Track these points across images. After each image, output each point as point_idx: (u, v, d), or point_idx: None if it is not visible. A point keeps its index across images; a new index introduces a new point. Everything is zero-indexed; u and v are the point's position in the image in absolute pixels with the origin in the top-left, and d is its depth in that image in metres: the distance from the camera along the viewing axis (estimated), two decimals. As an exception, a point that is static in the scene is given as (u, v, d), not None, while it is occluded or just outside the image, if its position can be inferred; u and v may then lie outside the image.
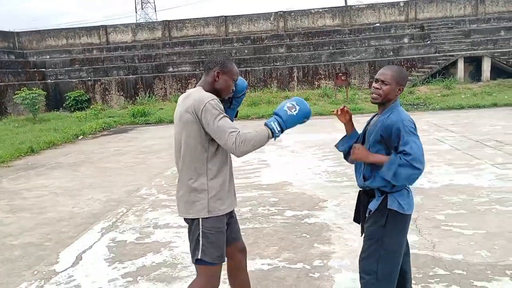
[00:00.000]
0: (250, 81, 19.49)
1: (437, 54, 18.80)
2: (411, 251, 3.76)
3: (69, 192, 6.57)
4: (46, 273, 3.83)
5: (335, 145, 2.80)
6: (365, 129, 2.59)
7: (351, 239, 4.14)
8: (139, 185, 6.68)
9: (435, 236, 4.09)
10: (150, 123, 14.82)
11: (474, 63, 18.08)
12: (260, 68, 19.78)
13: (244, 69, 19.78)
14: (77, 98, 19.37)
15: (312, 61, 19.94)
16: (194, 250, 2.40)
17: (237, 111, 2.77)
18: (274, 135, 2.33)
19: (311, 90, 18.56)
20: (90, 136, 12.76)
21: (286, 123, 2.35)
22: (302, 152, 8.46)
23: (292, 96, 3.06)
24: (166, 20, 24.47)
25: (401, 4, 22.66)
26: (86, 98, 19.69)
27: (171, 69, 20.73)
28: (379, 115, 2.49)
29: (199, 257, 2.38)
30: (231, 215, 2.59)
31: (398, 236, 2.39)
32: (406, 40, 20.61)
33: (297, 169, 7.07)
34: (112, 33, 24.46)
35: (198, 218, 2.38)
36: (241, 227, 4.56)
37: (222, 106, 2.34)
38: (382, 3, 23.20)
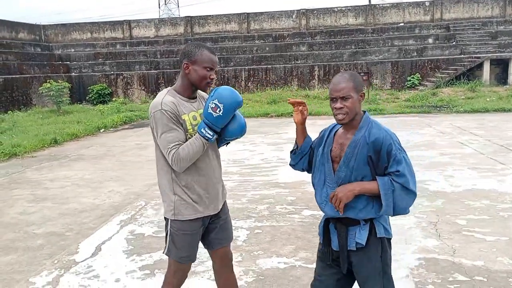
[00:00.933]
0: (270, 79, 19.48)
1: (462, 56, 18.40)
2: (430, 255, 3.72)
3: (91, 184, 6.68)
4: (66, 262, 3.91)
5: (290, 162, 2.44)
6: (327, 150, 2.19)
7: (369, 241, 4.10)
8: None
9: (456, 241, 4.01)
10: (170, 118, 14.92)
11: (501, 66, 17.64)
12: (281, 66, 19.72)
13: (264, 66, 19.77)
14: (100, 92, 19.69)
15: (334, 60, 19.78)
16: (165, 244, 2.48)
17: (228, 142, 2.52)
18: (209, 140, 2.27)
19: (332, 89, 18.39)
20: (112, 129, 12.96)
21: (217, 124, 2.26)
22: (321, 151, 8.40)
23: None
24: (189, 16, 24.62)
25: (427, 4, 22.25)
26: (108, 91, 20.00)
27: (192, 65, 20.80)
28: (348, 133, 2.15)
29: (164, 252, 2.48)
30: (213, 220, 2.51)
31: (390, 262, 2.16)
32: (430, 40, 20.25)
33: (316, 169, 7.05)
34: (135, 28, 24.75)
35: (168, 218, 2.41)
36: (258, 224, 4.59)
37: (169, 116, 2.24)
38: (407, 2, 22.83)
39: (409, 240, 4.08)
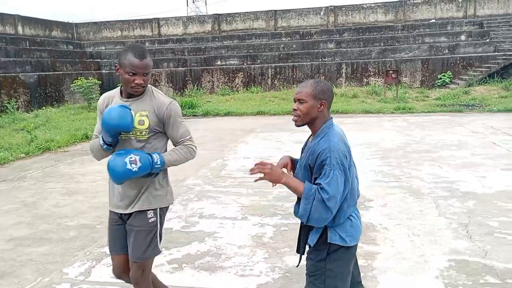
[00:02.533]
0: (297, 76, 19.38)
1: (496, 53, 17.82)
2: (461, 257, 3.64)
3: (120, 178, 6.84)
4: (97, 254, 4.03)
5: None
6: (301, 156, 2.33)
7: (397, 241, 4.05)
8: (185, 176, 6.84)
9: (488, 243, 3.91)
10: (197, 115, 15.11)
11: (537, 64, 17.00)
12: (308, 63, 19.60)
13: (291, 64, 19.69)
14: (129, 89, 20.06)
15: (362, 57, 19.51)
16: None
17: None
18: (102, 146, 2.40)
19: (359, 87, 18.19)
20: (140, 125, 13.19)
21: (103, 134, 2.40)
22: (348, 149, 8.32)
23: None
24: (216, 14, 24.77)
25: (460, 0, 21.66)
26: (137, 88, 20.33)
27: (219, 63, 20.98)
28: (311, 139, 2.25)
29: None
30: (118, 222, 2.53)
31: (341, 270, 2.18)
32: (463, 37, 19.69)
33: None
34: (164, 26, 25.08)
35: None
36: (284, 222, 4.60)
37: (98, 108, 2.53)
38: (438, -2, 22.28)
39: (439, 241, 4.01)
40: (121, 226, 2.53)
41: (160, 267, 3.71)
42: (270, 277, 3.48)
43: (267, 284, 3.36)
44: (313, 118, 2.18)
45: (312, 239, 2.20)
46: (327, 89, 2.19)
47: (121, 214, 2.52)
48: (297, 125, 2.23)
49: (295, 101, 2.21)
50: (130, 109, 2.32)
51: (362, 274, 3.40)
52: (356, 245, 2.24)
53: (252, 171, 2.15)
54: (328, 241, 2.14)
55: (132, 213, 2.48)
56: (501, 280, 3.27)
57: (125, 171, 2.27)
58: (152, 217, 2.51)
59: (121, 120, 2.26)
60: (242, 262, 3.75)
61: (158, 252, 2.57)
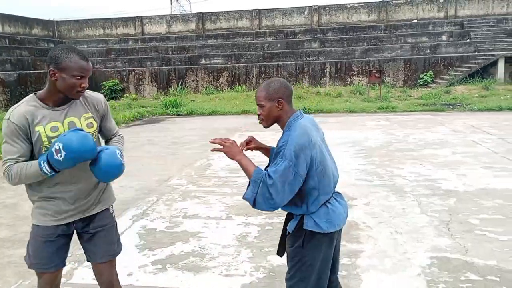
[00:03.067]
0: (281, 76, 19.41)
1: (476, 53, 18.16)
2: (442, 254, 3.70)
3: (103, 178, 6.75)
4: (79, 255, 3.96)
5: None
6: None
7: (381, 239, 4.09)
8: (169, 175, 6.79)
9: (468, 241, 3.99)
10: (182, 115, 15.02)
11: (516, 64, 17.38)
12: (292, 62, 19.67)
13: (276, 63, 19.72)
14: (112, 87, 19.83)
15: (346, 57, 19.67)
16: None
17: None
18: (46, 174, 2.09)
19: (343, 87, 18.34)
20: (124, 125, 13.06)
21: (57, 166, 2.06)
22: (332, 149, 8.37)
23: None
24: (200, 12, 24.67)
25: (441, 0, 22.00)
26: (120, 87, 20.14)
27: (203, 62, 20.90)
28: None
29: (24, 258, 2.39)
30: (82, 230, 2.39)
31: (319, 255, 2.21)
32: (444, 37, 20.02)
33: (327, 166, 7.02)
34: (147, 24, 24.88)
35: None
36: (268, 221, 4.61)
37: (15, 130, 2.10)
38: (420, -1, 22.61)
39: (421, 238, 4.07)
40: (60, 238, 2.32)
41: (143, 267, 3.67)
42: (254, 276, 3.48)
43: (252, 284, 3.36)
44: (276, 117, 2.26)
45: (291, 226, 2.26)
46: (279, 86, 2.23)
47: (69, 222, 2.32)
48: (265, 127, 2.33)
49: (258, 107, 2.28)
50: (83, 131, 2.15)
51: (345, 273, 3.44)
52: (336, 232, 2.24)
53: (213, 141, 2.24)
54: (304, 227, 2.18)
55: (90, 215, 2.39)
56: (482, 276, 3.33)
57: (122, 167, 2.21)
58: (113, 212, 2.54)
59: (90, 149, 2.08)
60: (227, 262, 3.74)
61: (121, 245, 2.57)
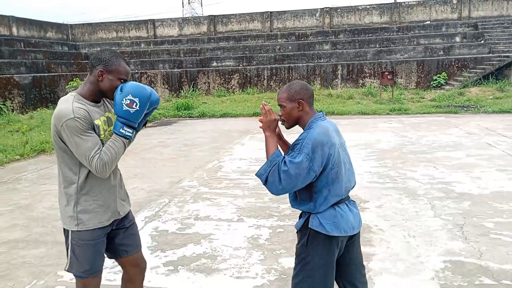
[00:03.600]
0: (293, 78, 19.41)
1: (491, 55, 17.92)
2: (456, 258, 3.65)
3: (115, 180, 6.80)
4: (92, 256, 4.00)
5: None
6: None
7: (393, 242, 4.05)
8: (181, 177, 6.82)
9: (483, 244, 3.93)
10: (193, 117, 15.09)
11: (531, 65, 17.10)
12: (304, 64, 19.63)
13: (287, 65, 19.71)
14: (124, 90, 20.00)
15: (357, 58, 19.56)
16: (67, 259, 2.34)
17: (147, 120, 2.49)
18: (130, 138, 2.23)
19: (355, 89, 18.24)
20: (136, 127, 13.15)
21: (135, 120, 2.20)
22: (344, 151, 8.33)
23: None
24: (212, 15, 24.77)
25: (454, 1, 21.77)
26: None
27: (214, 64, 20.98)
28: None
29: (66, 269, 2.33)
30: (118, 227, 2.44)
31: (321, 257, 2.21)
32: (458, 39, 19.80)
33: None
34: (159, 27, 25.06)
35: (68, 230, 2.29)
36: (280, 223, 4.59)
37: (84, 123, 2.13)
38: (433, 0, 22.39)
39: (434, 242, 4.02)
40: (105, 238, 2.39)
41: (155, 269, 3.69)
42: (266, 279, 3.47)
43: (263, 286, 3.35)
44: (297, 118, 2.32)
45: (298, 223, 2.31)
46: (300, 88, 2.30)
47: (114, 220, 2.40)
48: (287, 128, 2.39)
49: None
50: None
51: (358, 276, 3.40)
52: (341, 238, 2.22)
53: (263, 106, 2.32)
54: (308, 225, 2.21)
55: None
56: (497, 281, 3.27)
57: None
58: None
59: (150, 91, 2.27)
60: (238, 264, 3.74)
61: None
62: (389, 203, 5.21)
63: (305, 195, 2.23)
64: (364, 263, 3.64)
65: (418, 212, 4.85)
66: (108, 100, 2.42)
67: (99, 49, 18.50)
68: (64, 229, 2.32)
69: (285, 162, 2.15)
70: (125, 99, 2.15)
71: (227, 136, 10.57)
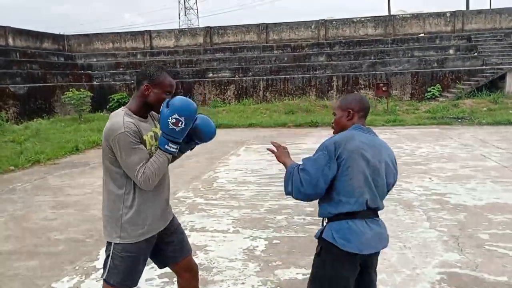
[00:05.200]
0: (288, 89, 19.52)
1: (484, 67, 18.13)
2: (452, 269, 3.65)
3: (110, 191, 6.77)
4: (87, 268, 3.97)
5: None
6: None
7: (389, 253, 4.04)
8: (176, 188, 6.80)
9: (478, 256, 3.93)
10: (189, 127, 15.05)
11: (524, 77, 17.29)
12: (299, 76, 19.75)
13: (283, 76, 19.82)
14: (120, 100, 19.98)
15: (352, 70, 19.71)
16: (103, 267, 2.37)
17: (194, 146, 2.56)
18: (174, 154, 2.29)
19: (350, 100, 18.31)
20: (131, 137, 13.13)
21: (179, 137, 2.25)
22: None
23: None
24: (208, 27, 24.92)
25: (448, 14, 22.06)
26: (128, 100, 20.26)
27: (210, 75, 21.06)
28: None
29: (104, 277, 2.36)
30: (165, 234, 2.49)
31: (331, 270, 2.19)
32: (451, 51, 20.02)
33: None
34: (155, 38, 25.16)
35: (111, 241, 2.33)
36: (276, 235, 4.58)
37: (132, 138, 2.20)
38: (427, 13, 22.67)
39: (430, 254, 4.02)
40: (150, 250, 2.43)
41: (150, 281, 3.66)
42: None
43: (259, 298, 3.33)
44: (343, 126, 2.38)
45: (317, 232, 2.34)
46: (353, 99, 2.40)
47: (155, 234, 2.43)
48: (334, 133, 2.43)
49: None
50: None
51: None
52: (352, 254, 2.16)
53: (273, 142, 2.58)
54: (323, 236, 2.23)
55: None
56: (492, 292, 3.27)
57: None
58: None
59: (193, 105, 2.30)
60: (234, 276, 3.72)
61: None
62: (384, 214, 5.20)
63: (324, 198, 2.25)
64: (360, 275, 3.65)
65: (413, 223, 4.86)
66: (154, 116, 2.48)
67: (95, 60, 18.51)
68: (107, 241, 2.36)
69: (302, 163, 2.24)
70: (171, 118, 2.19)
71: (222, 146, 10.56)
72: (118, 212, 2.29)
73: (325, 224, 2.28)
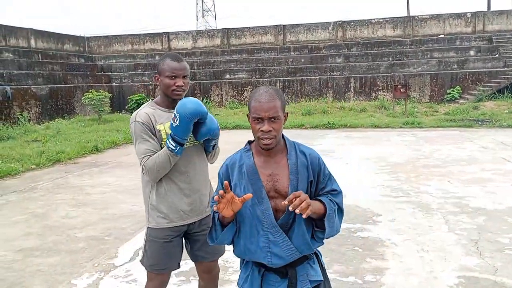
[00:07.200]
0: (305, 90, 19.46)
1: (506, 68, 17.76)
2: (471, 274, 3.60)
3: (130, 190, 6.87)
4: (106, 266, 4.04)
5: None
6: (257, 188, 1.84)
7: (406, 256, 4.01)
8: (194, 188, 6.86)
9: (498, 260, 3.87)
10: (206, 128, 15.14)
11: (548, 79, 16.90)
12: (316, 77, 19.68)
13: (300, 78, 19.79)
14: (139, 101, 20.23)
15: (370, 72, 19.56)
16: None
17: (214, 145, 2.66)
18: (173, 150, 2.30)
19: (368, 102, 18.20)
20: (149, 138, 13.28)
21: (177, 134, 2.28)
22: (357, 164, 8.31)
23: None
24: (226, 28, 25.04)
25: (468, 15, 21.69)
26: (146, 101, 20.38)
27: (228, 76, 21.16)
28: (274, 160, 1.86)
29: (140, 260, 2.58)
30: (196, 232, 2.52)
31: None
32: (472, 52, 19.68)
33: (351, 182, 6.93)
34: (173, 40, 25.40)
35: (146, 226, 2.51)
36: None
37: (143, 128, 2.34)
38: (447, 14, 22.33)
39: (448, 257, 3.97)
40: (177, 238, 2.49)
41: (167, 279, 3.71)
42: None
43: (275, 299, 3.34)
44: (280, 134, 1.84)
45: (317, 273, 1.97)
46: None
47: (192, 224, 2.50)
48: (270, 149, 1.80)
49: (260, 120, 1.75)
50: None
51: (370, 290, 3.37)
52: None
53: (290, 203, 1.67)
54: (323, 265, 2.05)
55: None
56: (512, 298, 3.22)
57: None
58: None
59: (199, 105, 2.29)
60: (250, 276, 3.73)
61: None
62: (402, 217, 5.16)
63: (310, 229, 1.86)
64: (377, 277, 3.63)
65: (431, 226, 4.80)
66: None
67: (114, 61, 18.78)
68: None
69: (336, 194, 1.85)
70: (173, 113, 2.29)
71: (239, 147, 10.58)
72: (147, 198, 2.47)
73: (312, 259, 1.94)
